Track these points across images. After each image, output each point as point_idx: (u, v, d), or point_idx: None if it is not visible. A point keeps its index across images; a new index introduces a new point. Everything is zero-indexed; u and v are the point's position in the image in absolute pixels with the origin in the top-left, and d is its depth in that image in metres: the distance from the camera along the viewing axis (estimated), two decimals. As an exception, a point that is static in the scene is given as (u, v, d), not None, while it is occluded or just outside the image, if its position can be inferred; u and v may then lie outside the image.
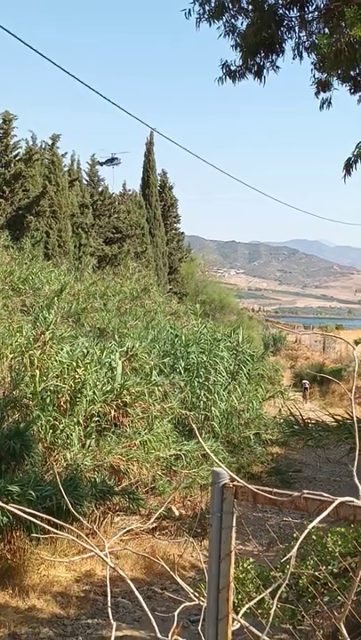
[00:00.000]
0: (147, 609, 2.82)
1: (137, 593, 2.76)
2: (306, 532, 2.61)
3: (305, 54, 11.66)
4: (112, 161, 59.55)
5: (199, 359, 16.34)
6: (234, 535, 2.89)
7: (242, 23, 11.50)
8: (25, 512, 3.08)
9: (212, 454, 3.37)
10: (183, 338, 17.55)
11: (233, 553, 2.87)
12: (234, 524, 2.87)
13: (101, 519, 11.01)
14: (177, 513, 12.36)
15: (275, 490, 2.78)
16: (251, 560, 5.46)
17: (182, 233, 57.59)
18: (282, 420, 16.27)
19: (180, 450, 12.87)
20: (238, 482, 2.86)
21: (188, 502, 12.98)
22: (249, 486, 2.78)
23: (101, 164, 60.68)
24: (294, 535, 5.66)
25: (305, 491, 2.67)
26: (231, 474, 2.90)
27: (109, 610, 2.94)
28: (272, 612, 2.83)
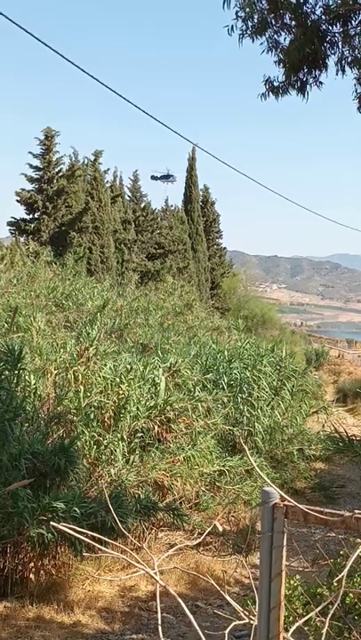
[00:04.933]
0: (197, 626, 2.82)
1: (187, 611, 2.77)
2: (358, 552, 2.61)
3: (348, 69, 11.63)
4: (167, 177, 59.89)
5: (242, 375, 16.29)
6: (285, 555, 2.89)
7: (285, 39, 11.49)
8: (74, 531, 3.10)
9: (261, 473, 3.37)
10: (226, 353, 17.53)
11: (284, 572, 2.87)
12: (285, 544, 2.87)
13: (145, 535, 11.02)
14: (220, 528, 12.34)
15: (325, 510, 2.77)
16: (298, 577, 5.45)
17: (224, 248, 57.63)
18: (325, 437, 16.19)
19: (223, 465, 12.87)
20: (289, 501, 2.86)
21: (232, 518, 12.96)
22: (300, 506, 2.78)
23: (156, 178, 61.07)
24: (341, 552, 5.63)
25: (356, 511, 2.66)
26: (282, 493, 2.90)
27: (160, 628, 2.95)
28: (324, 631, 2.81)
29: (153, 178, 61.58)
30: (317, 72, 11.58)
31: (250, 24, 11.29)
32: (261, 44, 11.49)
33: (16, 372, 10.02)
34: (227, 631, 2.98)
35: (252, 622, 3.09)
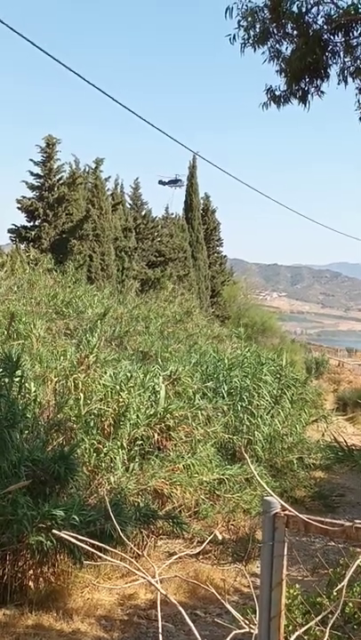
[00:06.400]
0: (197, 635, 2.83)
1: (188, 620, 2.77)
2: (358, 561, 2.61)
3: (350, 79, 11.63)
4: (175, 182, 60.00)
5: (242, 383, 16.28)
6: (285, 564, 2.89)
7: (286, 48, 11.49)
8: (74, 538, 3.10)
9: (261, 481, 3.38)
10: (226, 361, 17.51)
11: (284, 581, 2.88)
12: (285, 553, 2.88)
13: (145, 543, 11.01)
14: (220, 537, 12.32)
15: (326, 519, 2.78)
16: (298, 586, 5.44)
17: (225, 256, 57.56)
18: (325, 446, 16.17)
19: (223, 474, 12.85)
20: (290, 511, 2.86)
21: (232, 526, 12.94)
22: (301, 516, 2.78)
23: (164, 183, 61.21)
24: (341, 562, 5.63)
25: (356, 520, 2.67)
26: (283, 503, 2.90)
27: (160, 636, 2.95)
28: (324, 641, 2.82)
29: (161, 183, 61.72)
30: (319, 81, 11.58)
31: (252, 33, 11.29)
32: (263, 53, 11.48)
33: (15, 379, 10.02)
34: (228, 639, 2.98)
35: (252, 631, 3.10)
